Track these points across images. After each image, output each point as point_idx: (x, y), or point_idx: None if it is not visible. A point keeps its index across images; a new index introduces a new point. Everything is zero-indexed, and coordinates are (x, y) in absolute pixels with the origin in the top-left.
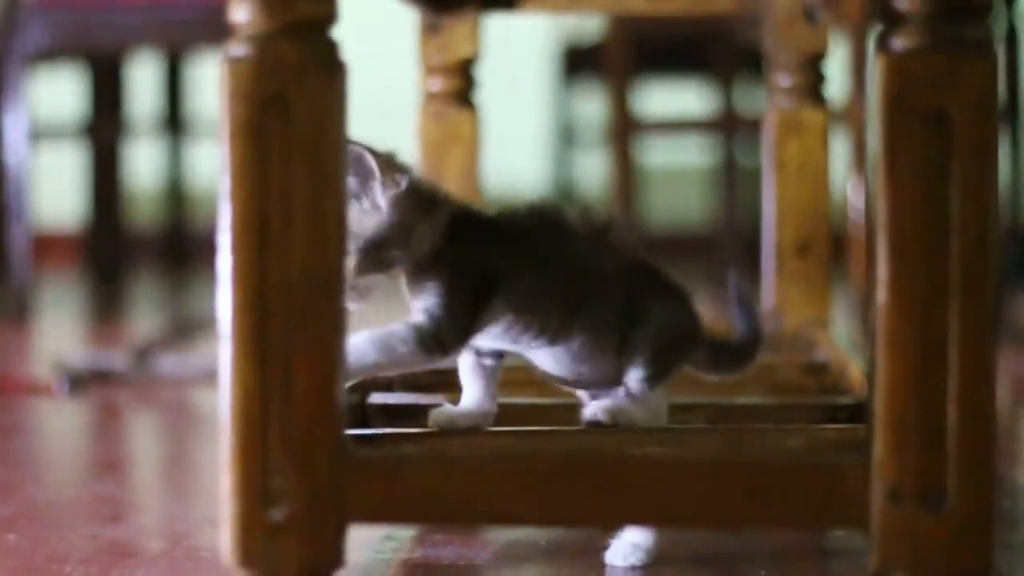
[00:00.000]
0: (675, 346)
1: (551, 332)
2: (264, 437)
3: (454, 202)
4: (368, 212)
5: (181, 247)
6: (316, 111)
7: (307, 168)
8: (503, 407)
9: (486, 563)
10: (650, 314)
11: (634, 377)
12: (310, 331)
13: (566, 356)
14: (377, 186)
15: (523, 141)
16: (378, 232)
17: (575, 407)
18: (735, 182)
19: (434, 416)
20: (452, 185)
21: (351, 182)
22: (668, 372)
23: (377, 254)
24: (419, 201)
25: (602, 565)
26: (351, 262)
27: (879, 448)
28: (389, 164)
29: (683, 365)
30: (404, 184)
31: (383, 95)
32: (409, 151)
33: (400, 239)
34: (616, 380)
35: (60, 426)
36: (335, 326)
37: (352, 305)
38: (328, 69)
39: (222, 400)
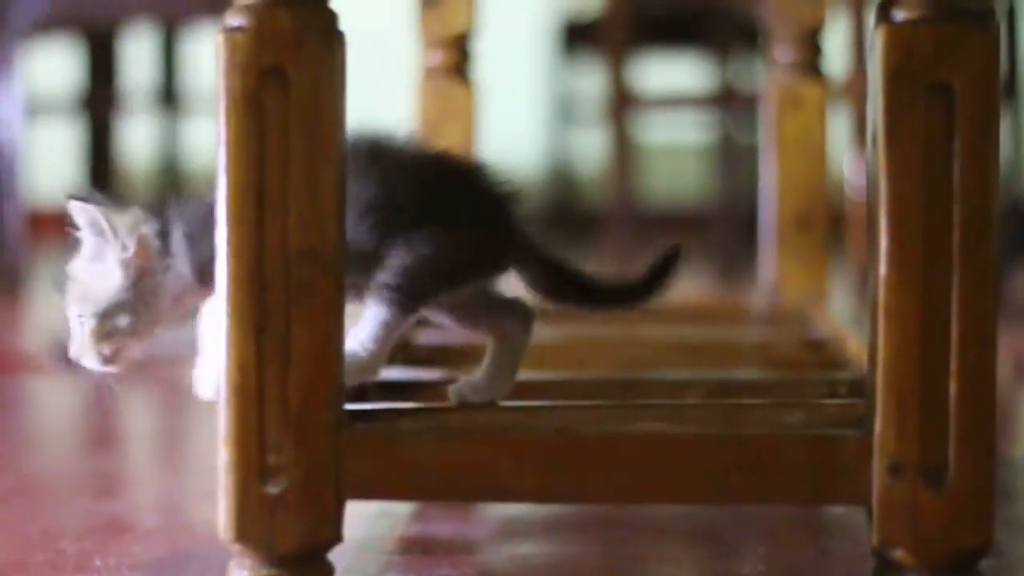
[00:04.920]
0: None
1: None
2: (261, 412)
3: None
4: (102, 275)
5: None
6: (314, 82)
7: (305, 140)
8: None
9: (484, 539)
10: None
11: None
12: (308, 305)
13: None
14: (111, 248)
15: (520, 117)
16: (112, 298)
17: (575, 382)
18: (732, 158)
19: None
20: None
21: (91, 242)
22: (426, 290)
23: (112, 321)
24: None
25: (602, 541)
26: (88, 327)
27: (879, 422)
28: (124, 224)
29: (458, 282)
30: (138, 245)
31: (382, 69)
32: (408, 125)
33: (135, 305)
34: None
35: (54, 401)
36: (333, 300)
37: (106, 368)
38: (326, 40)
39: (220, 374)
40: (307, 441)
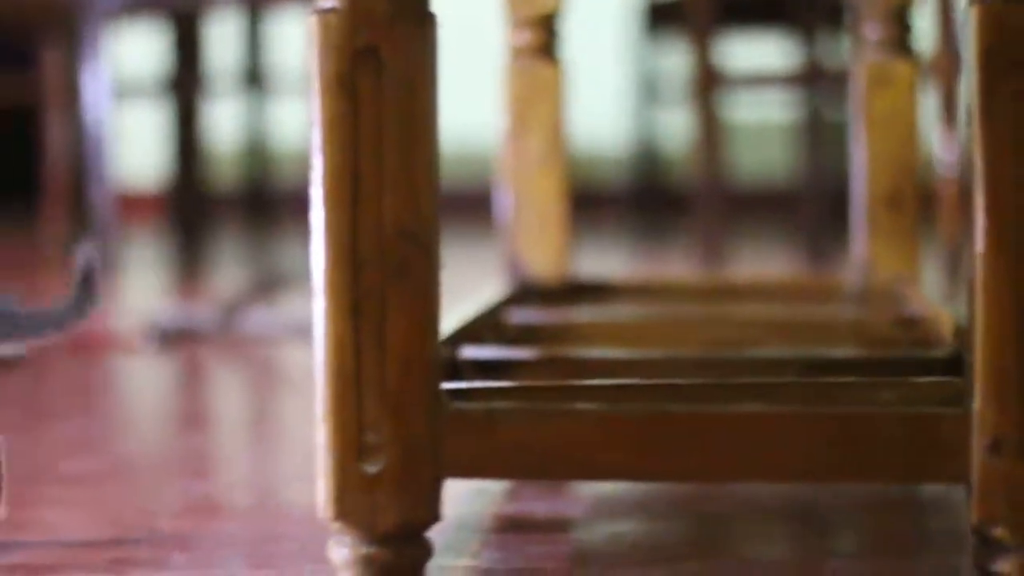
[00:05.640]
0: None
1: None
2: (359, 391)
3: None
4: None
5: (262, 204)
6: (407, 63)
7: (399, 121)
8: (595, 361)
9: (579, 517)
10: None
11: None
12: (404, 285)
13: None
14: None
15: (606, 96)
16: None
17: (667, 360)
18: (819, 136)
19: None
20: (537, 140)
21: None
22: None
23: None
24: None
25: (696, 519)
26: None
27: (979, 400)
28: None
29: None
30: None
31: (472, 49)
32: (496, 105)
33: None
34: None
35: (147, 382)
36: (429, 279)
37: None
38: (418, 20)
39: (316, 354)
40: (404, 420)
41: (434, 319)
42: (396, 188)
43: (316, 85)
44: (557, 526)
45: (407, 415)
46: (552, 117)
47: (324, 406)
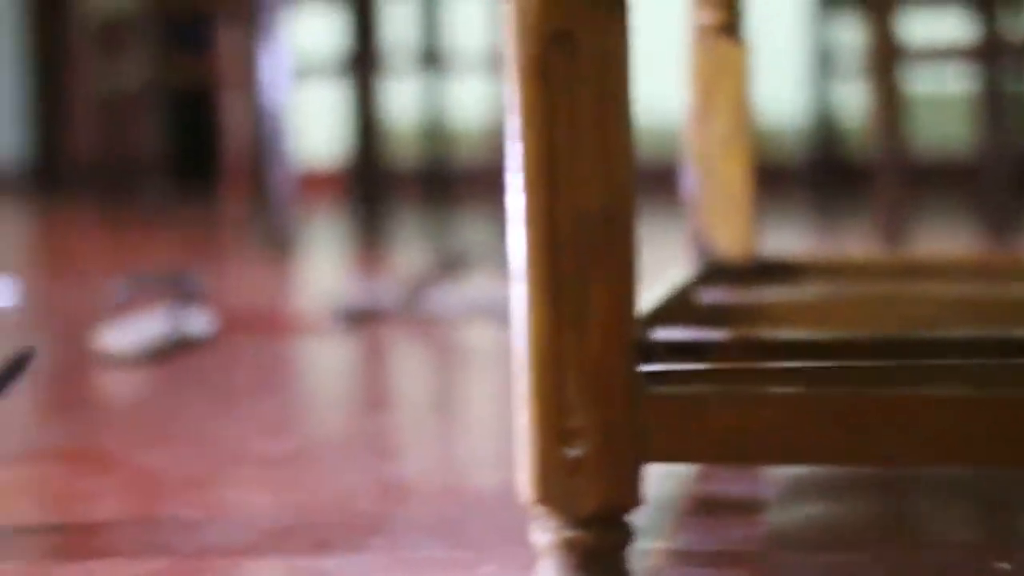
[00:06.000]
0: None
1: None
2: (560, 375)
3: None
4: None
5: (441, 182)
6: (602, 47)
7: (594, 104)
8: (788, 342)
9: (772, 499)
10: None
11: None
12: (603, 267)
13: None
14: None
15: (783, 70)
16: None
17: (860, 342)
18: (1001, 109)
19: None
20: (722, 120)
21: None
22: None
23: None
24: None
25: (886, 502)
26: None
27: None
28: None
29: None
30: None
31: (657, 23)
32: (679, 80)
33: None
34: None
35: (335, 363)
36: (627, 262)
37: None
38: (613, 4)
39: (517, 339)
40: (605, 404)
41: (632, 302)
42: (593, 170)
43: (512, 70)
44: (751, 508)
45: (607, 399)
46: (737, 97)
47: (526, 391)
